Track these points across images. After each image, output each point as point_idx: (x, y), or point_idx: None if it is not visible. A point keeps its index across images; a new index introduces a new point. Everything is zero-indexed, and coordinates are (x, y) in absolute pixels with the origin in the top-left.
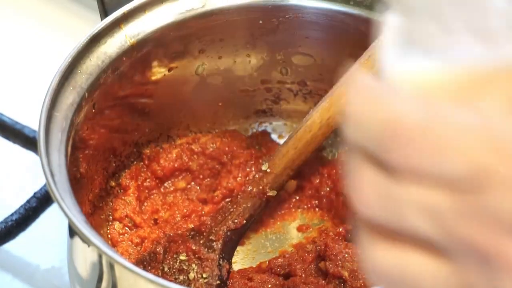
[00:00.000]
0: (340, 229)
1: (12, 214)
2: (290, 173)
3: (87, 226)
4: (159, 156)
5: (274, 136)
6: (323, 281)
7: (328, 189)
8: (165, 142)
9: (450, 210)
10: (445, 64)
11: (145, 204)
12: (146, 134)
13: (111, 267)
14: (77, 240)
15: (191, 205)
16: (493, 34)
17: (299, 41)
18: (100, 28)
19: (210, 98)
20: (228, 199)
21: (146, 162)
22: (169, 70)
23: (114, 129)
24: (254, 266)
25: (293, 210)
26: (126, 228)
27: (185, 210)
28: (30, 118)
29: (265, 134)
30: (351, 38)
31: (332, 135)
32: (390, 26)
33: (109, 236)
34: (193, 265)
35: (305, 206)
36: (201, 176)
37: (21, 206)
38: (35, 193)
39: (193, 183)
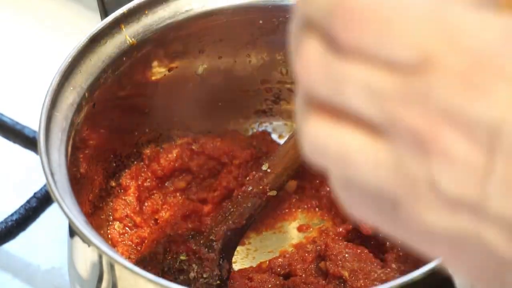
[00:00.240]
0: (341, 229)
1: (12, 214)
2: (291, 173)
3: (87, 226)
4: (159, 156)
5: (274, 136)
6: (323, 281)
7: (328, 189)
8: (165, 142)
9: (391, 92)
10: None
11: (145, 204)
12: (146, 134)
13: (111, 267)
14: (77, 240)
15: (191, 205)
16: None
17: None
18: (100, 28)
19: (210, 98)
20: (228, 199)
21: (146, 162)
22: (169, 70)
23: (114, 129)
24: (254, 266)
25: (293, 210)
26: (126, 228)
27: (185, 210)
28: (30, 118)
29: (265, 134)
30: None
31: None
32: None
33: (109, 236)
34: (193, 265)
35: (305, 206)
36: (201, 176)
37: (21, 206)
38: (35, 193)
39: (193, 183)
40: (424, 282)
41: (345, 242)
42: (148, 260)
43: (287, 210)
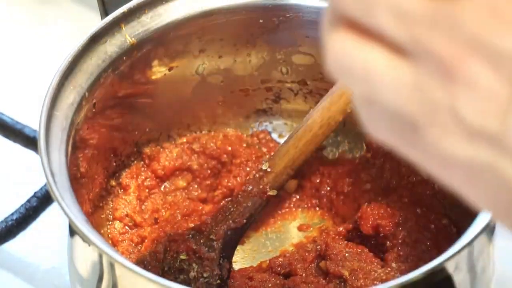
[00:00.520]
0: (341, 229)
1: (12, 214)
2: (291, 172)
3: (87, 225)
4: (160, 155)
5: (274, 136)
6: (324, 281)
7: (328, 188)
8: (165, 141)
9: (420, 16)
10: None
11: (146, 203)
12: (146, 134)
13: (112, 266)
14: (77, 239)
15: (191, 204)
16: None
17: (299, 40)
18: (101, 27)
19: (211, 97)
20: (228, 199)
21: (147, 161)
22: (169, 70)
23: (115, 129)
24: (255, 266)
25: (294, 209)
26: (127, 228)
27: (185, 210)
28: (31, 117)
29: (266, 133)
30: None
31: (333, 135)
32: None
33: (109, 235)
34: (194, 265)
35: (306, 206)
36: (201, 176)
37: (22, 206)
38: (35, 193)
39: (193, 182)
40: (424, 282)
41: (345, 242)
42: (148, 260)
43: (287, 210)
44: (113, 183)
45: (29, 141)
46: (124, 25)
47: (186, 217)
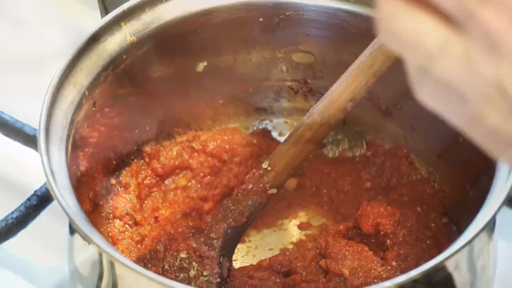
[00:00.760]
0: (341, 227)
1: (12, 212)
2: (291, 171)
3: (87, 224)
4: (160, 153)
5: (274, 134)
6: (324, 279)
7: (328, 186)
8: (165, 139)
9: None
10: None
11: (146, 202)
12: (146, 132)
13: (112, 265)
14: (77, 238)
15: (191, 203)
16: None
17: (299, 39)
18: (101, 26)
19: (211, 96)
20: (228, 197)
21: (147, 159)
22: (169, 68)
23: (115, 127)
24: (255, 264)
25: (294, 208)
26: (127, 226)
27: (185, 208)
28: (31, 116)
29: (266, 132)
30: (352, 35)
31: (333, 133)
32: None
33: (109, 234)
34: (194, 263)
35: (306, 204)
36: (201, 174)
37: (22, 204)
38: (35, 191)
39: (193, 181)
40: (424, 280)
41: (345, 240)
42: (148, 258)
43: (287, 208)
44: (113, 181)
45: (29, 139)
46: (124, 24)
47: (186, 216)
